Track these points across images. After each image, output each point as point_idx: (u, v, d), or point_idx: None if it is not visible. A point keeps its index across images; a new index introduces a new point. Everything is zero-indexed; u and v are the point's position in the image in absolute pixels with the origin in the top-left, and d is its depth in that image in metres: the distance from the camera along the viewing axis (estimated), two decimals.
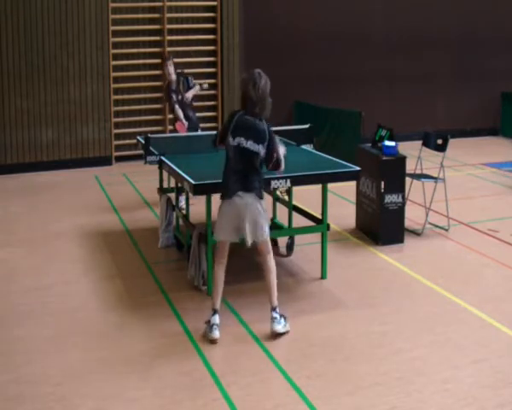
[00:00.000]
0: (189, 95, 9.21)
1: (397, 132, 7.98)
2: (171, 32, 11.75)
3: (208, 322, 5.31)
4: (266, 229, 5.34)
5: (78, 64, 11.13)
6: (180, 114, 9.09)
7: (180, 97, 9.15)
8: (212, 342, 5.21)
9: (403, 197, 7.48)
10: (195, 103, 12.01)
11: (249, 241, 5.31)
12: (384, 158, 7.43)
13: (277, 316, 5.33)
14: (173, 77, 9.17)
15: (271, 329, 5.30)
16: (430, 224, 7.93)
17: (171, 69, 9.17)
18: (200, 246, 6.17)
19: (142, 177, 10.07)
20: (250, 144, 5.20)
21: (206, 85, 9.80)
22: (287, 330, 5.36)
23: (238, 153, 5.22)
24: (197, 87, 9.35)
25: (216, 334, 5.23)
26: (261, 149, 5.22)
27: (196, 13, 11.94)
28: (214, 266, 5.46)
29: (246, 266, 6.80)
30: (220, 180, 5.67)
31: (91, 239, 7.68)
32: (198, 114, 11.98)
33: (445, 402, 4.44)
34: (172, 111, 9.30)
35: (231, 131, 5.25)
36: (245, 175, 5.25)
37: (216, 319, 5.28)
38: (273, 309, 5.35)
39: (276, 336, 5.29)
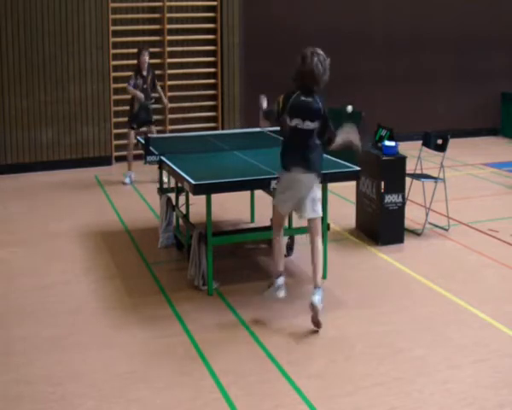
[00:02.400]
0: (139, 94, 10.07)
1: (397, 132, 7.98)
2: (171, 32, 11.75)
3: (272, 284, 5.61)
4: (317, 209, 5.57)
5: (78, 64, 11.12)
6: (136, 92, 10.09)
7: (145, 86, 10.20)
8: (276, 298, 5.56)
9: (403, 197, 7.49)
10: (197, 103, 12.08)
11: (305, 215, 5.57)
12: (384, 158, 7.44)
13: (319, 292, 5.41)
14: (145, 66, 10.20)
15: (311, 300, 5.37)
16: (430, 224, 7.93)
17: (147, 59, 10.19)
18: (200, 246, 6.17)
19: (142, 177, 10.07)
20: (307, 125, 5.44)
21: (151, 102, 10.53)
22: (320, 308, 5.40)
23: (295, 133, 5.45)
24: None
25: (281, 293, 5.55)
26: (316, 125, 5.47)
27: (196, 13, 11.94)
28: (274, 235, 5.69)
29: (246, 265, 6.81)
30: (219, 180, 5.72)
31: (91, 239, 7.68)
32: (198, 114, 12.08)
33: (445, 402, 4.44)
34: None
35: (288, 112, 5.43)
36: (303, 153, 5.47)
37: (281, 280, 5.58)
38: (316, 287, 5.44)
39: (312, 308, 5.35)
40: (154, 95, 10.47)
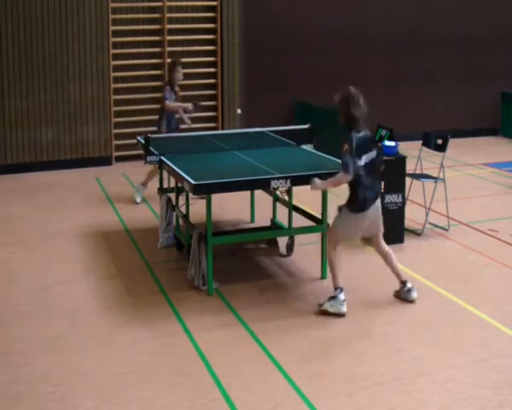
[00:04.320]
0: (173, 104, 9.21)
1: (397, 132, 7.97)
2: (171, 32, 11.74)
3: (333, 298, 5.69)
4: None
5: (78, 64, 11.12)
6: (178, 105, 9.26)
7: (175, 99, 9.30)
8: (341, 316, 5.64)
9: (403, 197, 7.48)
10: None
11: (374, 234, 5.99)
12: (384, 158, 7.42)
13: (411, 286, 5.95)
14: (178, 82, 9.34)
15: (410, 298, 5.92)
16: (430, 224, 7.93)
17: (181, 76, 9.36)
18: (200, 246, 6.17)
19: (142, 177, 10.06)
20: (371, 155, 5.71)
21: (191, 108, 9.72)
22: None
23: (367, 168, 5.65)
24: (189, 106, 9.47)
25: (345, 308, 5.67)
26: (376, 152, 5.79)
27: (196, 13, 11.94)
28: (330, 254, 5.83)
29: (246, 266, 6.81)
30: (219, 180, 5.71)
31: (91, 239, 7.68)
32: (198, 115, 12.04)
33: (445, 402, 4.44)
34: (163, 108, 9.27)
35: (356, 154, 5.56)
36: (374, 182, 5.80)
37: (342, 295, 5.70)
38: (403, 283, 5.97)
39: (411, 302, 5.87)
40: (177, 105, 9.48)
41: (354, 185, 5.69)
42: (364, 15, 13.05)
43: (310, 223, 6.83)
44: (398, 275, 6.03)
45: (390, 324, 5.57)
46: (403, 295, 5.98)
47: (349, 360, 4.99)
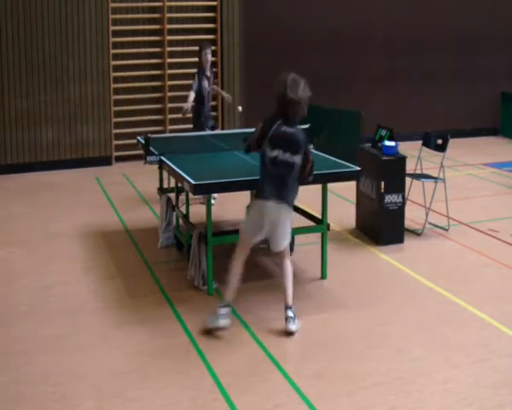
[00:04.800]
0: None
1: (397, 132, 7.98)
2: (171, 32, 11.75)
3: (216, 313, 5.35)
4: (285, 242, 5.46)
5: (78, 64, 11.13)
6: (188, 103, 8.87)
7: (209, 89, 9.06)
8: (214, 328, 5.31)
9: (403, 197, 7.48)
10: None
11: (275, 249, 5.50)
12: (384, 158, 7.43)
13: (292, 315, 5.36)
14: (208, 65, 9.09)
15: (286, 328, 5.33)
16: (430, 224, 7.93)
17: (209, 57, 9.10)
18: (200, 246, 6.17)
19: (142, 177, 10.06)
20: (288, 157, 5.24)
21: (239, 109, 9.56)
22: (297, 328, 5.38)
23: (275, 164, 5.25)
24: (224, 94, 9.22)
25: (221, 322, 5.30)
26: (298, 160, 5.29)
27: (196, 13, 11.94)
28: (234, 257, 5.47)
29: (246, 266, 6.80)
30: (219, 180, 5.70)
31: (91, 239, 7.68)
32: None
33: (445, 402, 4.44)
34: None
35: (269, 142, 5.22)
36: (280, 184, 5.29)
37: (225, 310, 5.33)
38: (288, 308, 5.39)
39: (289, 335, 5.31)
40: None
41: (260, 172, 5.38)
42: (364, 15, 13.05)
43: (310, 223, 6.83)
44: (285, 297, 5.43)
45: (390, 324, 5.57)
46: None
47: (349, 360, 4.99)
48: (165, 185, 8.00)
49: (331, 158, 6.94)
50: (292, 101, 5.18)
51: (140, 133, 9.47)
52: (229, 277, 5.44)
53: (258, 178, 5.52)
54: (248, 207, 5.54)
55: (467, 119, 13.98)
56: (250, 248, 5.53)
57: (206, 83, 8.99)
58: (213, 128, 9.34)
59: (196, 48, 11.86)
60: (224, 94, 9.69)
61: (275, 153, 5.23)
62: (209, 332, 5.37)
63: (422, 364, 4.92)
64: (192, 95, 8.88)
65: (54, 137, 11.15)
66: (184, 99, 12.26)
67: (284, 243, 5.48)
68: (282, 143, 5.22)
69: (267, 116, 5.38)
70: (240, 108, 9.52)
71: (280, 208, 5.30)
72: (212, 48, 11.95)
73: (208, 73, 9.08)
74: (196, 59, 12.21)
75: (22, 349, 5.17)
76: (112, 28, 11.28)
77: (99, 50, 11.21)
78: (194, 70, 12.05)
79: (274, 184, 5.29)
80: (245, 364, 4.94)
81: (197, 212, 7.25)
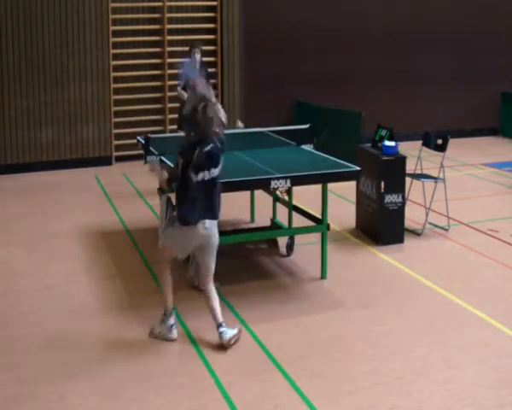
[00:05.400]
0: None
1: (397, 132, 7.98)
2: (171, 32, 11.74)
3: (162, 322, 5.28)
4: (213, 265, 5.30)
5: (78, 64, 11.12)
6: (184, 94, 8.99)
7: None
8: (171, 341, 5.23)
9: (403, 197, 7.48)
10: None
11: (205, 263, 5.28)
12: (384, 158, 7.43)
13: (222, 330, 5.17)
14: (197, 66, 9.30)
15: (221, 341, 5.17)
16: (430, 224, 7.93)
17: (198, 57, 9.31)
18: None
19: (142, 177, 10.06)
20: (212, 172, 5.12)
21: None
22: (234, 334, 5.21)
23: (203, 185, 5.11)
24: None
25: (175, 334, 5.25)
26: (219, 172, 5.19)
27: (196, 13, 11.94)
28: (161, 268, 5.38)
29: (245, 265, 6.80)
30: (219, 180, 5.68)
31: (91, 239, 7.68)
32: None
33: (445, 402, 4.44)
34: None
35: (193, 168, 5.05)
36: (210, 202, 5.17)
37: (172, 320, 5.29)
38: (219, 326, 5.19)
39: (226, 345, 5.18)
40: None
41: (182, 196, 5.21)
42: (364, 15, 13.05)
43: (310, 223, 6.83)
44: (214, 317, 5.25)
45: (390, 324, 5.57)
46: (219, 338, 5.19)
47: (349, 360, 4.99)
48: None
49: (331, 158, 6.94)
50: (202, 124, 5.06)
51: (140, 133, 9.47)
52: (165, 287, 5.36)
53: (248, 179, 5.45)
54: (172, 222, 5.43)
55: (467, 119, 13.97)
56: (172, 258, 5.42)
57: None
58: None
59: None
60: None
61: (200, 175, 5.07)
62: (210, 331, 5.37)
63: (422, 364, 4.92)
64: (184, 93, 8.99)
65: (54, 137, 11.14)
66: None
67: (208, 269, 5.32)
68: (205, 163, 5.08)
69: (182, 148, 5.19)
70: (240, 124, 9.44)
71: (212, 228, 5.19)
72: (212, 48, 12.02)
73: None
74: None
75: (22, 349, 5.17)
76: (112, 28, 11.28)
77: (99, 50, 11.20)
78: None
79: (202, 204, 5.14)
80: (245, 364, 4.95)
81: None
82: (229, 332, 5.17)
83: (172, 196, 7.29)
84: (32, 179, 10.59)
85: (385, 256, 7.10)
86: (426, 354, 5.07)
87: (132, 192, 9.76)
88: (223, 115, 5.22)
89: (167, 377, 4.76)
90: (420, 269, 6.71)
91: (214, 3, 11.92)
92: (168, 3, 11.64)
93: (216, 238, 5.26)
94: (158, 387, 4.63)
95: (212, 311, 5.24)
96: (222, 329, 5.17)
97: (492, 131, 14.23)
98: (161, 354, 5.09)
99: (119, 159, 11.60)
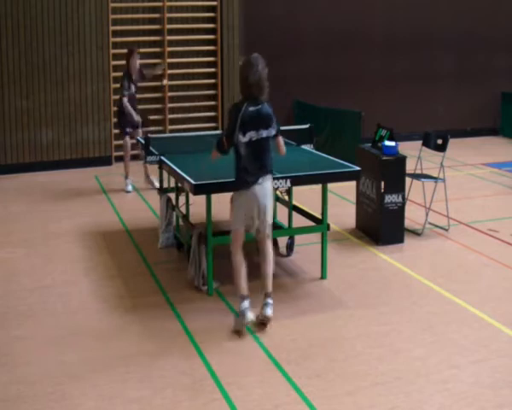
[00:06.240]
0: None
1: (397, 132, 7.98)
2: (171, 32, 11.75)
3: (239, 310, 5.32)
4: (271, 220, 5.50)
5: (78, 64, 11.13)
6: (131, 113, 9.53)
7: (135, 91, 9.66)
8: (245, 326, 5.27)
9: (403, 197, 7.48)
10: (197, 103, 12.07)
11: (257, 226, 5.43)
12: (384, 158, 7.44)
13: (271, 302, 5.41)
14: (137, 69, 9.69)
15: (264, 314, 5.37)
16: (430, 224, 7.93)
17: (138, 64, 9.69)
18: (200, 246, 6.17)
19: (141, 177, 10.06)
20: (262, 133, 5.29)
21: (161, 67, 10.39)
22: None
23: (251, 146, 5.27)
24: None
25: (250, 316, 5.26)
26: (272, 131, 5.36)
27: (196, 13, 11.94)
28: (233, 254, 5.46)
29: (246, 266, 6.80)
30: (219, 180, 5.69)
31: (91, 239, 7.68)
32: (198, 115, 12.07)
33: (445, 402, 4.44)
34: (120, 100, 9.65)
35: (239, 128, 5.23)
36: (262, 162, 5.34)
37: (246, 303, 5.31)
38: (268, 295, 5.43)
39: (266, 321, 5.37)
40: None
41: (235, 163, 5.37)
42: (364, 15, 13.06)
43: (310, 223, 6.83)
44: (264, 284, 5.47)
45: (390, 324, 5.57)
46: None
47: (349, 360, 4.99)
48: (166, 185, 7.99)
49: (331, 158, 6.94)
50: (251, 82, 5.26)
51: (141, 133, 9.50)
52: (235, 274, 5.43)
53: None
54: (231, 200, 5.57)
55: (467, 119, 13.98)
56: (243, 239, 5.51)
57: (133, 87, 9.61)
58: (137, 127, 9.73)
59: (196, 48, 11.95)
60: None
61: (248, 136, 5.25)
62: (210, 331, 5.38)
63: (422, 364, 4.92)
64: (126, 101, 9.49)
65: (54, 137, 11.15)
66: (185, 99, 12.31)
67: (271, 220, 5.48)
68: (252, 123, 5.25)
69: (231, 106, 5.41)
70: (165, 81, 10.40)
71: (266, 182, 5.36)
72: (212, 48, 12.03)
73: (134, 77, 9.65)
74: (196, 59, 12.25)
75: (22, 349, 5.17)
76: (112, 28, 11.28)
77: (99, 50, 11.21)
78: (194, 70, 12.08)
79: (255, 166, 5.31)
80: (245, 364, 4.94)
81: (197, 212, 7.25)
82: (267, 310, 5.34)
83: (172, 197, 7.32)
84: (32, 179, 10.59)
85: (385, 256, 7.10)
86: (426, 354, 5.07)
87: (132, 192, 9.76)
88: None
89: (167, 377, 4.76)
90: (420, 269, 6.72)
91: (214, 3, 11.92)
92: (168, 3, 11.64)
93: (271, 193, 5.41)
94: (158, 387, 4.63)
95: (269, 277, 5.43)
96: (270, 300, 5.37)
97: (492, 131, 14.23)
98: (161, 354, 5.09)
99: (119, 159, 11.58)
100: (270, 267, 5.51)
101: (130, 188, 9.74)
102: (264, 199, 5.37)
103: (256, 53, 5.40)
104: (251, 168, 5.31)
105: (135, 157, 10.34)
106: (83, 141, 11.31)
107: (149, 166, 8.60)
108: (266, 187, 5.38)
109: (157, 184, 9.23)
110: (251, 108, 5.26)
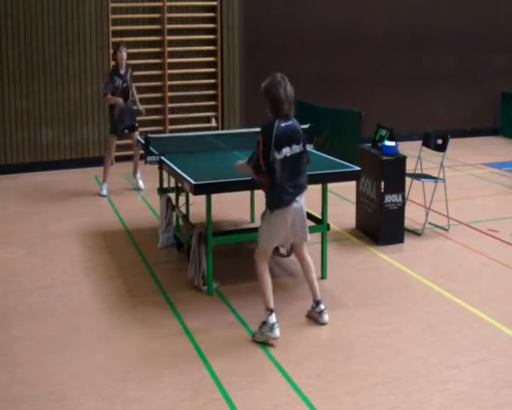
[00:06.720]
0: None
1: (397, 132, 7.98)
2: (171, 32, 11.75)
3: (264, 323, 5.20)
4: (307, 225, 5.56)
5: (78, 64, 11.13)
6: (117, 99, 9.40)
7: (124, 85, 9.52)
8: (273, 341, 5.16)
9: (403, 197, 7.48)
10: (197, 103, 12.07)
11: (306, 238, 5.52)
12: (384, 158, 7.44)
13: (323, 309, 5.55)
14: (124, 63, 9.54)
15: (322, 321, 5.51)
16: (430, 224, 7.93)
17: (125, 55, 9.57)
18: (200, 246, 6.17)
19: (142, 177, 10.05)
20: (295, 149, 5.26)
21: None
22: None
23: (287, 163, 5.21)
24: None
25: (277, 333, 5.17)
26: (302, 147, 5.34)
27: (196, 13, 11.94)
28: (260, 268, 5.35)
29: (246, 265, 6.80)
30: (219, 180, 5.68)
31: (91, 239, 7.68)
32: (197, 115, 12.07)
33: (444, 402, 4.44)
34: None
35: (274, 146, 5.16)
36: (298, 180, 5.31)
37: (273, 318, 5.22)
38: (316, 303, 5.57)
39: (322, 325, 5.50)
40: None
41: (270, 181, 5.25)
42: (364, 15, 13.05)
43: (310, 223, 6.80)
44: (313, 291, 5.59)
45: (390, 324, 5.57)
46: (314, 317, 5.57)
47: (349, 360, 4.99)
48: (166, 185, 7.99)
49: (331, 158, 6.95)
50: (281, 99, 5.23)
51: (140, 133, 9.49)
52: (262, 285, 5.32)
53: (248, 178, 5.51)
54: (263, 215, 5.46)
55: (467, 119, 13.98)
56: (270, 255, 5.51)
57: (120, 81, 9.45)
58: (131, 127, 9.63)
59: (196, 48, 11.96)
60: (139, 106, 9.98)
61: (283, 153, 5.21)
62: (210, 331, 5.38)
63: (422, 364, 4.92)
64: (113, 98, 9.39)
65: (54, 137, 11.15)
66: (185, 99, 12.31)
67: (307, 231, 5.51)
68: (285, 139, 5.22)
69: (263, 125, 5.32)
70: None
71: (301, 199, 5.37)
72: (212, 48, 12.03)
73: (122, 72, 9.49)
74: (196, 59, 12.26)
75: (22, 349, 5.18)
76: (112, 28, 11.28)
77: (99, 50, 11.21)
78: (194, 70, 12.08)
79: (292, 183, 5.27)
80: (245, 364, 4.94)
81: (197, 212, 7.25)
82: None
83: (172, 197, 7.32)
84: (32, 179, 10.60)
85: (385, 256, 7.10)
86: (426, 354, 5.07)
87: (132, 192, 9.76)
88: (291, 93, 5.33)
89: (167, 377, 4.76)
90: (420, 269, 6.72)
91: (214, 3, 11.92)
92: (168, 3, 11.64)
93: (304, 207, 5.43)
94: (158, 387, 4.63)
95: (316, 284, 5.59)
96: (323, 306, 5.54)
97: (492, 131, 14.22)
98: (161, 354, 5.09)
99: (119, 159, 11.58)
100: (314, 274, 5.62)
101: (105, 192, 9.55)
102: (301, 216, 5.38)
103: (278, 72, 5.40)
104: (287, 186, 5.25)
105: (129, 158, 10.34)
106: (83, 141, 11.31)
107: (148, 166, 8.57)
108: (302, 203, 5.37)
109: (142, 186, 9.64)
110: (282, 125, 5.22)
